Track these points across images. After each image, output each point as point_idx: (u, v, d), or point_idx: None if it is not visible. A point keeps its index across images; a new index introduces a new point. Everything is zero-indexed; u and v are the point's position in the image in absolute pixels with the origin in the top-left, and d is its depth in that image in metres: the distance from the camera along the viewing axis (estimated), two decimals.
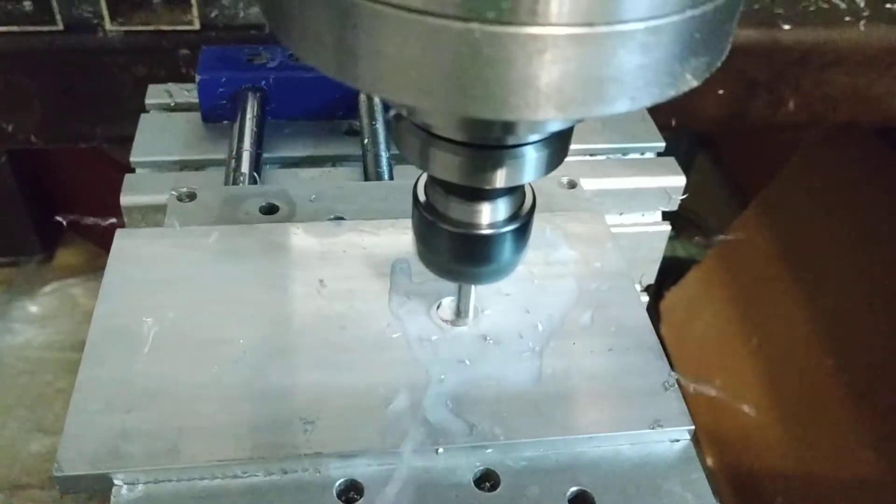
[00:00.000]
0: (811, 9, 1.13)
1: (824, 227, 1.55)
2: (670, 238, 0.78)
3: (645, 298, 0.81)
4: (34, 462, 1.77)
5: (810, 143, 1.63)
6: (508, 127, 0.37)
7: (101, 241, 2.08)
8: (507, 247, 0.44)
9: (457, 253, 0.45)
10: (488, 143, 0.38)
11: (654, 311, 1.90)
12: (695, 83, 0.32)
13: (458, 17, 0.28)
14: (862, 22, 1.11)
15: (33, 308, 2.04)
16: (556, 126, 0.39)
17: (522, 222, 0.44)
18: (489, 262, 0.45)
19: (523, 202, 0.45)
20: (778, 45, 1.10)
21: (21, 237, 2.04)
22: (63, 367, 1.93)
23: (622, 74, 0.30)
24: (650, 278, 0.80)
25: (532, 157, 0.39)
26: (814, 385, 1.48)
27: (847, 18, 1.12)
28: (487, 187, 0.40)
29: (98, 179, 1.85)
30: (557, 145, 0.40)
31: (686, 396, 0.49)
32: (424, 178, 0.45)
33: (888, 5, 1.14)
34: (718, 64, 0.33)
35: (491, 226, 0.43)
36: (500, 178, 0.39)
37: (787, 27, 1.09)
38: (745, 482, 1.60)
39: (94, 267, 2.09)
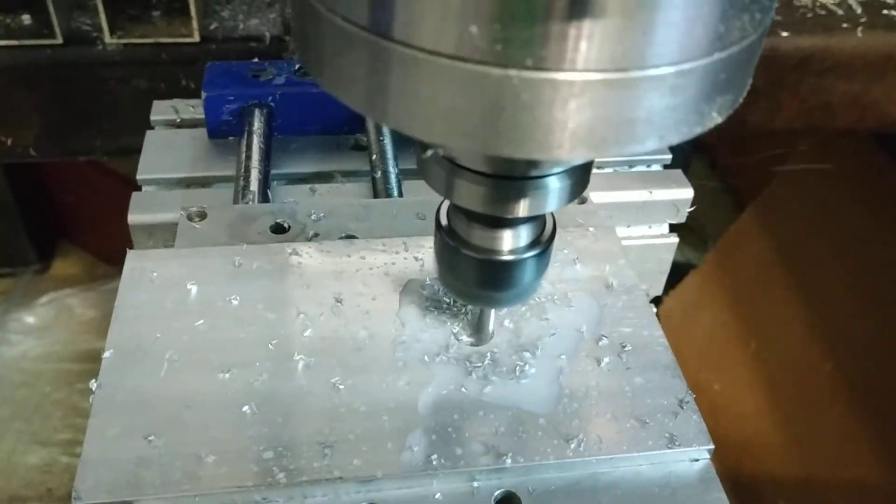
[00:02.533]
0: (809, 16, 1.13)
1: (821, 231, 1.56)
2: None
3: (652, 310, 0.81)
4: (32, 474, 1.76)
5: (806, 147, 1.63)
6: (535, 161, 0.37)
7: (98, 251, 2.07)
8: (528, 272, 0.45)
9: (478, 278, 0.45)
10: (514, 174, 0.39)
11: None
12: (720, 119, 0.33)
13: (497, 64, 0.28)
14: (859, 28, 1.11)
15: (30, 319, 2.03)
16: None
17: (543, 248, 0.45)
18: (510, 287, 0.45)
19: (544, 227, 0.45)
20: (776, 52, 1.10)
21: (17, 248, 2.03)
22: (60, 379, 1.92)
23: (652, 115, 0.31)
24: (657, 290, 0.80)
25: (556, 188, 0.40)
26: (812, 388, 1.48)
27: (845, 25, 1.12)
28: (511, 217, 0.41)
29: (95, 189, 1.85)
30: (580, 175, 0.41)
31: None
32: (446, 202, 0.45)
33: (885, 11, 1.15)
34: (741, 100, 0.34)
35: (512, 252, 0.44)
36: (524, 208, 0.40)
37: (785, 34, 1.10)
38: (745, 486, 1.60)
39: (91, 277, 2.08)
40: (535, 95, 0.29)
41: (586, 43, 0.28)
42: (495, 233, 0.43)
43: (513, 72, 0.28)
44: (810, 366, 1.48)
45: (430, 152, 0.40)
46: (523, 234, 0.44)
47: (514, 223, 0.43)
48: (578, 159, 0.39)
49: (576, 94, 0.29)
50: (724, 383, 1.68)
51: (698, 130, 0.33)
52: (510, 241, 0.44)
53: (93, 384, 0.49)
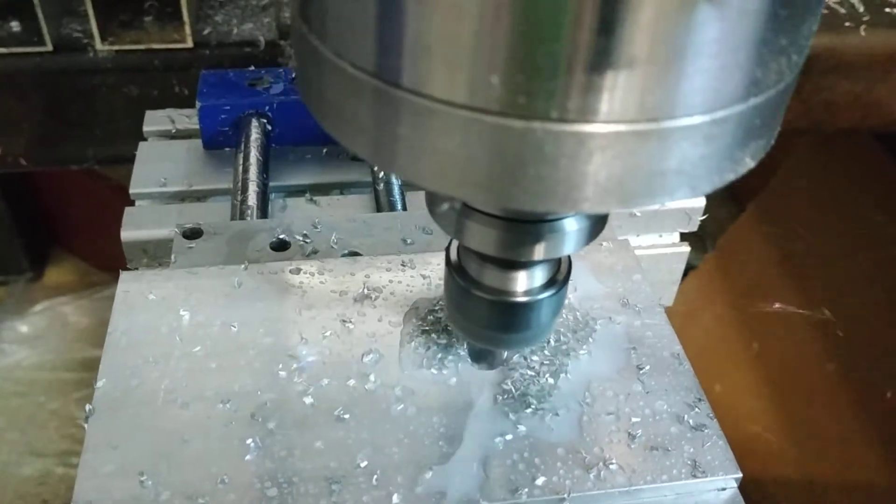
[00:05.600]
0: None
1: (821, 230, 1.54)
2: None
3: (671, 327, 0.79)
4: (27, 486, 1.73)
5: (805, 147, 1.62)
6: None
7: (91, 258, 2.05)
8: (543, 313, 0.43)
9: (491, 319, 0.43)
10: (529, 218, 0.37)
11: None
12: (753, 164, 0.31)
13: (519, 116, 0.26)
14: (862, 27, 1.10)
15: (23, 328, 2.00)
16: None
17: (559, 288, 0.42)
18: (524, 329, 0.43)
19: (559, 267, 0.43)
20: None
21: (9, 256, 2.00)
22: (55, 388, 1.89)
23: (684, 166, 0.29)
24: (669, 300, 0.78)
25: (573, 230, 0.37)
26: (815, 390, 1.47)
27: (847, 24, 1.10)
28: (526, 260, 0.38)
29: (87, 196, 1.82)
30: (601, 215, 0.39)
31: None
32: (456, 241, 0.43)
33: (888, 10, 1.13)
34: (773, 141, 0.32)
35: (527, 293, 0.42)
36: (540, 252, 0.38)
37: None
38: (748, 489, 1.58)
39: (85, 284, 2.06)
40: (560, 148, 0.27)
41: (615, 93, 0.26)
42: (509, 273, 0.41)
43: (536, 124, 0.26)
44: (813, 366, 1.47)
45: (446, 205, 0.38)
46: (538, 275, 0.42)
47: (528, 264, 0.41)
48: (604, 211, 0.37)
49: (603, 146, 0.27)
50: (725, 385, 1.67)
51: (731, 178, 0.31)
52: (525, 283, 0.41)
53: (88, 408, 0.46)
